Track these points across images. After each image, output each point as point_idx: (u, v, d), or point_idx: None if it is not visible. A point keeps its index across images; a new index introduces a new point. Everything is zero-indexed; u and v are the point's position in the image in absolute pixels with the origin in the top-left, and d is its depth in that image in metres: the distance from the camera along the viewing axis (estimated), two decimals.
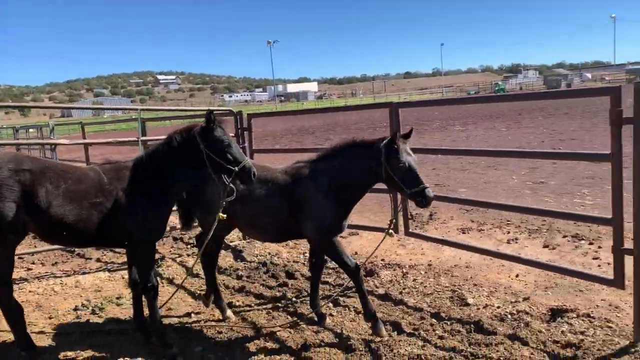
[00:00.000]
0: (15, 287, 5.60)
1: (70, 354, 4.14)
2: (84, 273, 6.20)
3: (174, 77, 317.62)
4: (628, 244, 3.83)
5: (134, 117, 8.76)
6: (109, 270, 6.33)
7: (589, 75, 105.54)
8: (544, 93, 4.69)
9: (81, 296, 5.41)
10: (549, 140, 16.88)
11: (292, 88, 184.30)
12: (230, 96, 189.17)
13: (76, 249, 7.35)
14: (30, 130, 16.48)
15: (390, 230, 4.50)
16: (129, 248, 4.16)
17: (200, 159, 3.83)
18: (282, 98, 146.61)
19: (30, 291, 5.51)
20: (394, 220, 4.62)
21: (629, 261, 3.78)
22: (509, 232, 7.22)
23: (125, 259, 6.89)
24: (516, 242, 6.77)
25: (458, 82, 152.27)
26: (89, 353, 4.13)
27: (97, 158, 12.38)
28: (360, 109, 6.96)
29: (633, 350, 3.64)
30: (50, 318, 4.85)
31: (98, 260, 7.00)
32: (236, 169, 3.81)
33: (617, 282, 3.82)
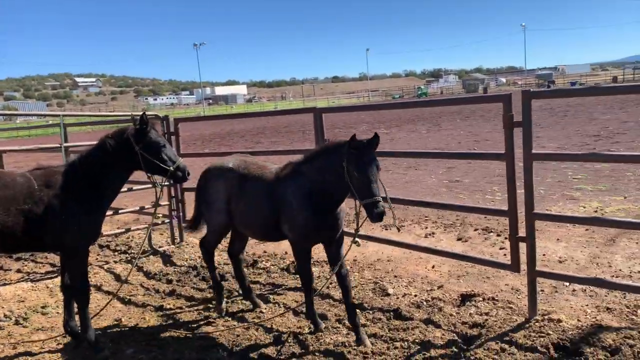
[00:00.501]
0: None
1: None
2: (4, 284, 5.98)
3: (94, 79, 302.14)
4: (523, 233, 4.36)
5: (50, 122, 8.48)
6: (32, 280, 6.15)
7: (504, 80, 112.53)
8: (443, 100, 5.20)
9: (2, 307, 5.24)
10: (465, 142, 18.02)
11: (220, 91, 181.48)
12: (155, 99, 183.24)
13: None
14: None
15: (357, 240, 4.61)
16: (61, 253, 4.15)
17: (135, 161, 3.93)
18: (211, 101, 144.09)
19: None
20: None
21: (524, 248, 4.31)
22: (426, 227, 7.76)
23: (48, 269, 6.74)
24: (433, 236, 7.31)
25: (383, 86, 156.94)
26: None
27: (10, 166, 11.76)
28: (286, 114, 7.31)
29: (527, 325, 4.16)
30: None
31: (19, 270, 6.77)
32: (171, 168, 3.96)
33: (513, 266, 4.34)
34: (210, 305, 5.29)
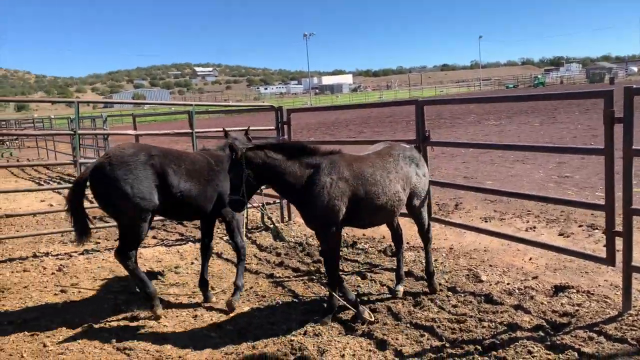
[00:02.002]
0: (91, 255, 6.57)
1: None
2: (144, 247, 7.09)
3: (211, 69, 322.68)
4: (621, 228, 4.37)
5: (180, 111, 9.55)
6: (166, 245, 7.21)
7: (635, 69, 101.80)
8: (531, 96, 5.17)
9: (145, 265, 6.28)
10: (581, 136, 16.98)
11: (327, 80, 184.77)
12: (266, 88, 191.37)
13: None
14: (85, 120, 17.73)
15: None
16: (207, 220, 5.11)
17: None
18: (317, 90, 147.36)
19: (102, 259, 6.41)
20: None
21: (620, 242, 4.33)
22: (528, 221, 7.72)
23: (177, 237, 7.80)
24: (534, 230, 7.28)
25: (496, 75, 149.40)
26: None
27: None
28: (387, 106, 7.63)
29: (620, 319, 4.19)
30: (121, 281, 5.73)
31: (154, 237, 7.91)
32: None
33: (609, 260, 4.37)
34: (314, 277, 5.89)
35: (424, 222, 5.26)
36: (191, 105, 7.30)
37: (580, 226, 7.22)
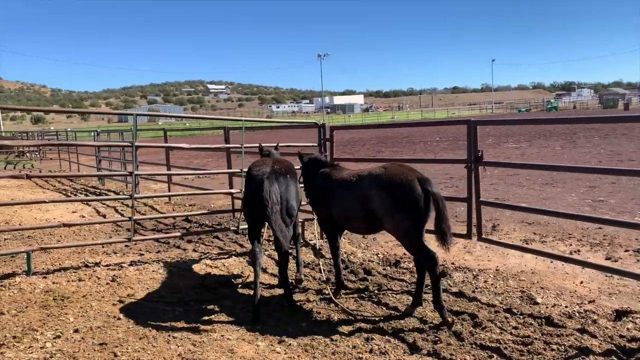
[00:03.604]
0: (141, 267, 6.61)
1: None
2: (191, 260, 7.12)
3: (223, 86, 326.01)
4: None
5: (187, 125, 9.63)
6: (210, 259, 7.23)
7: None
8: (597, 118, 5.15)
9: (195, 277, 6.30)
10: (606, 161, 16.93)
11: (338, 100, 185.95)
12: (278, 107, 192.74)
13: (172, 241, 8.37)
14: (112, 134, 17.98)
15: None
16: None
17: None
18: (329, 110, 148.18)
19: (153, 271, 6.44)
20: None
21: None
22: (570, 245, 7.67)
23: (218, 251, 7.83)
24: (578, 254, 7.22)
25: (508, 99, 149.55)
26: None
27: (180, 162, 13.32)
28: (437, 125, 7.64)
29: None
30: (175, 293, 5.74)
31: (194, 250, 7.94)
32: None
33: None
34: (363, 295, 5.87)
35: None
36: (241, 120, 7.42)
37: (626, 251, 7.16)
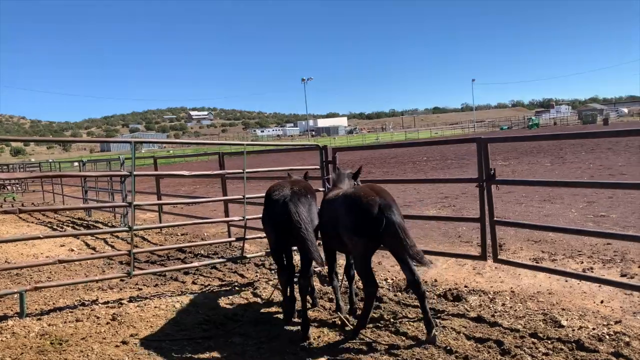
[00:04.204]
0: (142, 303, 6.24)
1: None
2: (192, 293, 6.76)
3: (206, 112, 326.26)
4: None
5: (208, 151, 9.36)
6: (212, 292, 6.88)
7: (626, 110, 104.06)
8: (607, 132, 5.07)
9: (199, 312, 5.95)
10: (598, 175, 17.00)
11: (322, 123, 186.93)
12: (262, 131, 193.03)
13: (168, 274, 8.00)
14: (98, 163, 17.56)
15: None
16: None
17: None
18: (313, 133, 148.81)
19: (155, 307, 6.07)
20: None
21: None
22: (582, 262, 7.50)
23: (219, 282, 7.49)
24: (592, 271, 7.04)
25: (488, 117, 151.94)
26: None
27: (167, 189, 12.93)
28: (446, 144, 7.47)
29: None
30: (181, 330, 5.39)
31: (194, 283, 7.58)
32: None
33: None
34: (379, 324, 5.58)
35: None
36: (243, 144, 7.17)
37: None
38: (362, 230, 4.87)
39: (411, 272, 5.02)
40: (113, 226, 14.46)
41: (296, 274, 5.98)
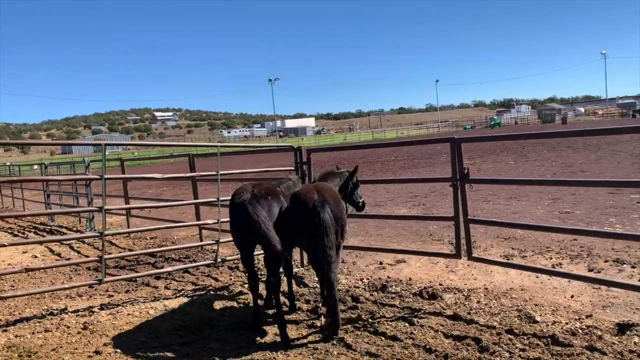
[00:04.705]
0: (114, 310, 6.04)
1: None
2: (165, 298, 6.60)
3: (171, 113, 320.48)
4: None
5: (175, 153, 9.24)
6: (186, 296, 6.74)
7: (582, 110, 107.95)
8: (579, 131, 5.22)
9: (174, 318, 5.81)
10: (560, 173, 17.53)
11: (290, 123, 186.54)
12: (229, 132, 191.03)
13: (139, 279, 7.79)
14: (62, 166, 16.97)
15: None
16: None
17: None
18: (281, 133, 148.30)
19: (128, 314, 5.89)
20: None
21: None
22: (551, 258, 7.70)
23: (193, 287, 7.35)
24: (561, 267, 7.23)
25: (452, 117, 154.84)
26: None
27: (133, 192, 12.55)
28: (420, 144, 7.53)
29: None
30: (157, 337, 5.24)
31: (166, 288, 7.41)
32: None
33: None
34: (358, 325, 5.58)
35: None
36: (216, 146, 7.04)
37: (606, 261, 7.24)
38: (303, 226, 5.16)
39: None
40: (79, 231, 13.99)
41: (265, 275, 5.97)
